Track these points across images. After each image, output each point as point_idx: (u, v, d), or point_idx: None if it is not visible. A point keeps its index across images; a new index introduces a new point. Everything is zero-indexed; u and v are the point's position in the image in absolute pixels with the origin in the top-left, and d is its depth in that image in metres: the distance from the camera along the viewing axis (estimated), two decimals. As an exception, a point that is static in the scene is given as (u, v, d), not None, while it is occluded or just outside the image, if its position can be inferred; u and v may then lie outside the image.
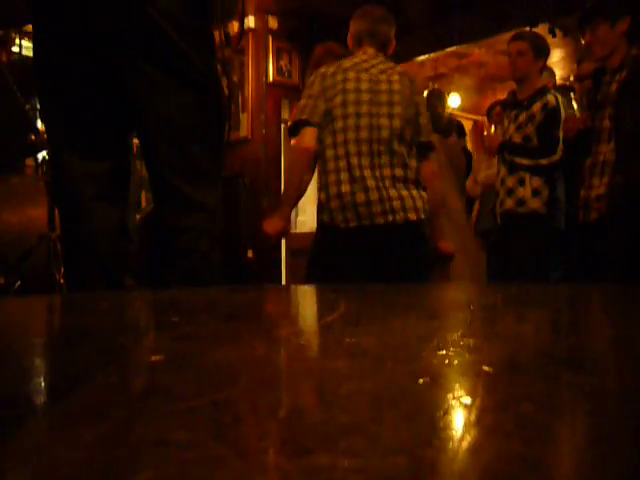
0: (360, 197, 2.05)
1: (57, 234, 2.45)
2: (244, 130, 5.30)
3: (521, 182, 2.79)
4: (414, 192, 2.12)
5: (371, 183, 2.06)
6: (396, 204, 2.06)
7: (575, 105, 3.04)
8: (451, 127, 4.36)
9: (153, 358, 0.38)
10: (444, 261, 3.47)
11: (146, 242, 2.83)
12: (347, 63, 2.18)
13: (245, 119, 5.31)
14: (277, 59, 5.30)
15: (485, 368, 0.37)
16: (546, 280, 2.89)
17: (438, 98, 5.13)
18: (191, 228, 1.41)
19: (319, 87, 2.13)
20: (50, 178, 2.49)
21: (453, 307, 0.77)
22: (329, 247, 2.17)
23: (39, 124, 2.20)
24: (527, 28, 4.01)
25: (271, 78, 5.26)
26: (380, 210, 2.05)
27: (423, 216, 2.12)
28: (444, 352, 0.42)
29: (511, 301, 0.84)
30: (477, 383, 0.33)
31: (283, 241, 5.62)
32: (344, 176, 2.08)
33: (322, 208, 2.14)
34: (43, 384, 0.35)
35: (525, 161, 2.76)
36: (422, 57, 5.68)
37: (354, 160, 2.07)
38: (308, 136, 2.11)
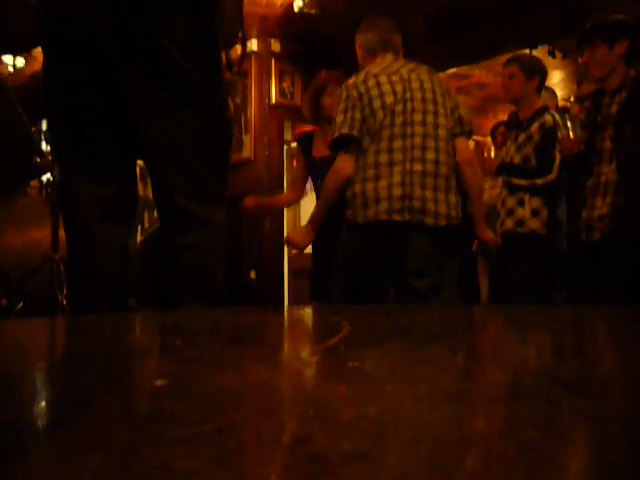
0: (384, 193, 2.05)
1: (60, 255, 2.46)
2: (247, 151, 5.34)
3: (520, 203, 2.80)
4: (440, 195, 2.07)
5: (397, 179, 2.04)
6: (417, 204, 2.04)
7: (570, 125, 3.06)
8: None
9: (157, 383, 0.38)
10: (485, 252, 3.40)
11: (148, 263, 2.83)
12: (375, 69, 2.17)
13: (248, 140, 5.35)
14: (279, 81, 5.36)
15: (487, 392, 0.37)
16: (550, 301, 2.89)
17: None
18: (196, 246, 1.42)
19: (352, 98, 2.13)
20: (55, 200, 2.51)
21: (455, 329, 0.77)
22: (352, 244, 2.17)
23: (44, 146, 2.22)
24: (527, 50, 4.07)
25: (274, 100, 5.31)
26: (399, 208, 2.04)
27: (444, 222, 2.06)
28: (446, 376, 0.42)
29: (513, 323, 0.84)
30: (479, 408, 0.34)
31: (285, 261, 5.62)
32: (375, 173, 2.07)
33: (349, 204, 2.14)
34: (47, 409, 0.35)
35: (522, 182, 2.78)
36: (423, 79, 5.75)
37: (386, 158, 2.07)
38: (348, 163, 2.13)
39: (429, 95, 2.12)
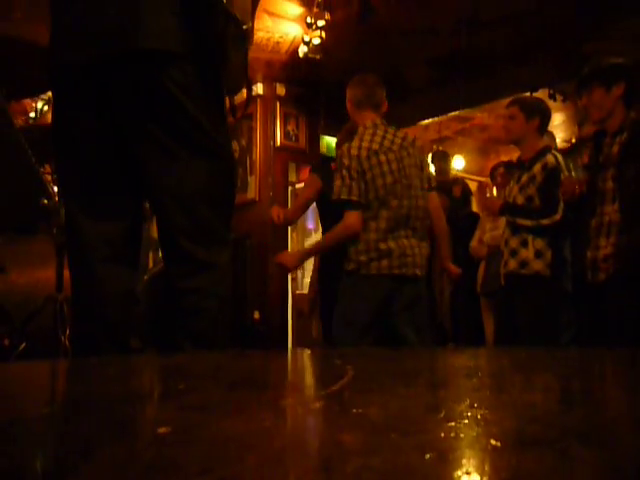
0: (384, 251, 2.49)
1: (64, 296, 2.46)
2: (252, 192, 5.39)
3: (524, 243, 2.79)
4: (424, 249, 2.56)
5: (392, 243, 2.49)
6: (410, 260, 2.50)
7: (571, 166, 3.09)
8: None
9: (160, 430, 0.38)
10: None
11: (153, 303, 2.82)
12: (375, 145, 2.56)
13: (253, 182, 5.41)
14: (284, 124, 5.45)
15: (493, 442, 0.37)
16: (556, 342, 2.85)
17: (443, 159, 5.24)
18: (199, 289, 1.42)
19: (357, 169, 2.52)
20: (60, 240, 2.52)
21: (460, 374, 0.77)
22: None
23: (51, 188, 2.25)
24: (527, 93, 4.14)
25: (278, 142, 5.40)
26: (398, 264, 2.47)
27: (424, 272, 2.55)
28: (451, 424, 0.42)
29: (519, 367, 0.83)
30: (485, 458, 0.33)
31: (289, 302, 5.60)
32: (377, 236, 2.50)
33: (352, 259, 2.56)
34: (50, 458, 0.34)
35: (527, 222, 2.78)
36: (426, 121, 5.83)
37: (383, 225, 2.51)
38: (358, 219, 2.51)
39: (415, 171, 2.58)
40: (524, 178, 2.85)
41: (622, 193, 2.40)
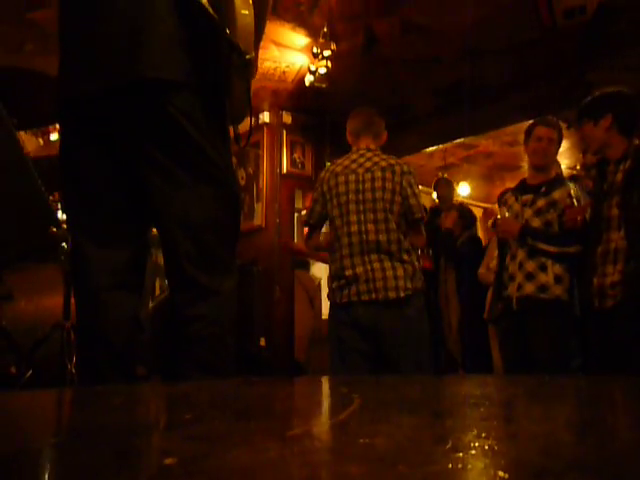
0: (350, 277, 2.54)
1: (71, 323, 2.46)
2: (258, 219, 5.41)
3: (542, 268, 2.76)
4: (399, 271, 2.52)
5: (359, 269, 2.52)
6: (379, 284, 2.49)
7: (581, 194, 3.09)
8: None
9: (166, 461, 0.38)
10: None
11: (158, 330, 2.82)
12: (339, 168, 2.65)
13: (259, 208, 5.43)
14: (291, 151, 5.50)
15: (501, 474, 0.37)
16: (566, 368, 2.82)
17: (445, 187, 5.25)
18: (204, 316, 1.42)
19: (318, 192, 2.69)
20: (68, 267, 2.54)
21: (467, 403, 0.76)
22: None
23: (59, 215, 2.27)
24: (531, 121, 4.16)
25: (285, 169, 5.44)
26: (366, 289, 2.50)
27: (403, 294, 2.50)
28: (459, 455, 0.41)
29: (528, 396, 0.82)
30: (493, 491, 0.33)
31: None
32: (342, 263, 2.57)
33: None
34: (56, 489, 0.34)
35: (551, 248, 2.75)
36: (431, 148, 5.87)
37: (346, 251, 2.57)
38: (315, 238, 2.75)
39: (379, 194, 2.56)
40: (541, 202, 2.83)
41: (627, 220, 2.40)
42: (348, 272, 2.52)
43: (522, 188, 3.00)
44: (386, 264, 2.51)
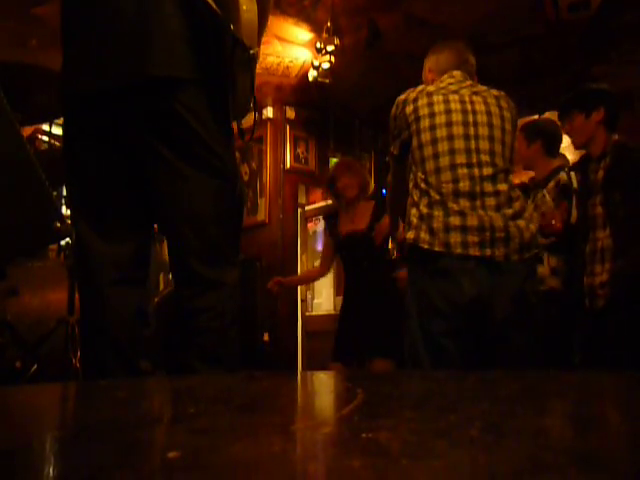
0: (455, 222, 1.84)
1: (75, 318, 2.47)
2: (262, 214, 5.42)
3: (539, 260, 2.77)
4: (521, 223, 1.88)
5: (470, 212, 1.85)
6: (499, 235, 1.84)
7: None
8: None
9: (170, 455, 0.38)
10: None
11: (163, 325, 2.83)
12: (431, 88, 2.02)
13: (263, 204, 5.44)
14: (294, 147, 5.50)
15: (504, 468, 0.37)
16: (571, 362, 2.81)
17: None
18: (209, 308, 1.43)
19: (399, 117, 2.02)
20: (72, 263, 2.55)
21: (470, 397, 0.76)
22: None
23: (64, 211, 2.28)
24: (536, 115, 4.15)
25: (288, 165, 5.44)
26: (478, 240, 1.83)
27: (527, 255, 1.88)
28: (462, 449, 0.41)
29: (530, 391, 0.82)
30: (495, 485, 0.33)
31: (299, 323, 5.59)
32: (437, 203, 1.89)
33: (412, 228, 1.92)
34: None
35: (543, 240, 2.76)
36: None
37: (449, 188, 1.87)
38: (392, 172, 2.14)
39: (495, 120, 1.96)
40: (539, 195, 2.84)
41: (611, 218, 2.40)
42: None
43: (529, 186, 3.00)
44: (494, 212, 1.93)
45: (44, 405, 0.74)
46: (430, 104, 1.97)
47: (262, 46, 1.57)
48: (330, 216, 3.50)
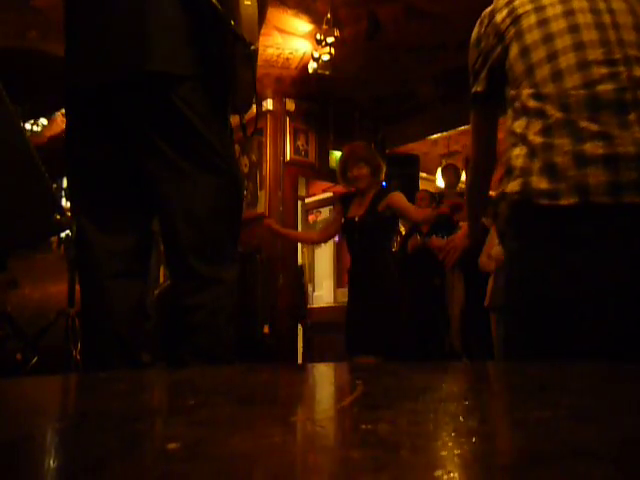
0: (595, 149, 1.18)
1: (76, 310, 2.48)
2: (261, 207, 5.42)
3: None
4: None
5: (620, 133, 1.17)
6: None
7: None
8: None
9: (169, 446, 0.38)
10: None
11: (163, 318, 2.84)
12: None
13: (263, 196, 5.44)
14: (294, 139, 5.49)
15: (503, 459, 0.37)
16: (570, 352, 2.81)
17: (453, 172, 5.25)
18: (205, 305, 1.43)
19: (485, 35, 1.47)
20: (72, 255, 2.55)
21: (470, 389, 0.76)
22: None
23: (64, 203, 2.28)
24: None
25: (288, 157, 5.43)
26: (637, 178, 1.16)
27: None
28: (461, 440, 0.41)
29: (530, 382, 0.82)
30: (495, 476, 0.33)
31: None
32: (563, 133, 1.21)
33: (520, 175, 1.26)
34: (59, 474, 0.35)
35: None
36: (435, 136, 5.85)
37: (580, 96, 1.22)
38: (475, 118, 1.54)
39: (625, 18, 1.28)
40: None
41: None
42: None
43: None
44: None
45: (44, 397, 0.74)
46: None
47: (262, 38, 1.57)
48: (347, 195, 3.50)
